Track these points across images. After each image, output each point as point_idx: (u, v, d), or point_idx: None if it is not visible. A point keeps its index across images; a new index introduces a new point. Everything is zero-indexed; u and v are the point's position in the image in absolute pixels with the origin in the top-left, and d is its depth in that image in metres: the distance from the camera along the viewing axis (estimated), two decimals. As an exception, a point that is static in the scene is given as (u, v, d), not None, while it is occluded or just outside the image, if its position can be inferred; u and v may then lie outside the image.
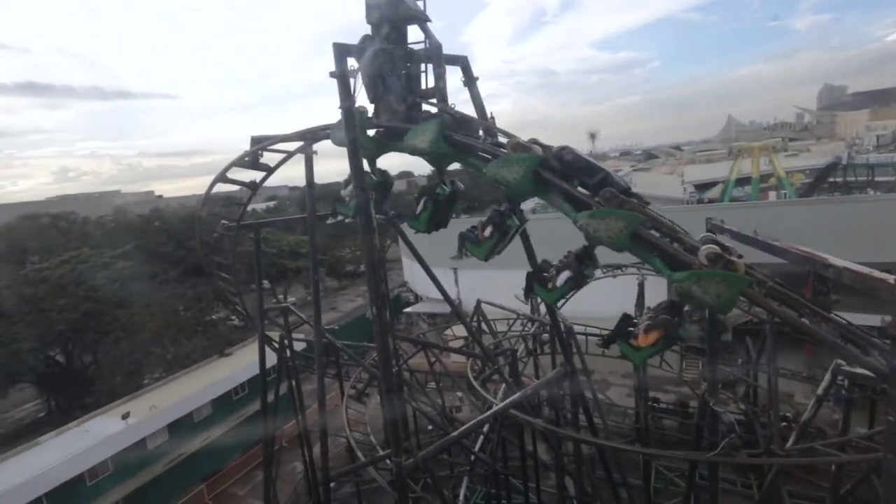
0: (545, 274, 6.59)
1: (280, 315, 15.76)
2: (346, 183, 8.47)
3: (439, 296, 14.62)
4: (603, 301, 24.87)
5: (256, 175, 10.54)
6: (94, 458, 19.66)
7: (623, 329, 6.07)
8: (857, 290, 4.67)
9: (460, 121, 6.70)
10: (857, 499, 12.00)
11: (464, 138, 6.56)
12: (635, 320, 6.11)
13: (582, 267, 6.34)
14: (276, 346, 15.89)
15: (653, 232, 5.56)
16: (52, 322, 28.74)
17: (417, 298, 44.46)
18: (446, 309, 34.17)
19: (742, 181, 53.18)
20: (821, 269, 4.98)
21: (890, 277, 4.15)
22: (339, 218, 9.18)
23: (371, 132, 7.28)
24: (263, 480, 16.92)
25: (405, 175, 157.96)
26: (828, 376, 9.43)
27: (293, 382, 16.68)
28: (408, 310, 42.50)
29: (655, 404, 22.62)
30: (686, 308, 5.76)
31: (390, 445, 7.41)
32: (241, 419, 25.30)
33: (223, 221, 11.69)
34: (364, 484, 21.75)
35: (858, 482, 10.29)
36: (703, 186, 60.62)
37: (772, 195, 49.53)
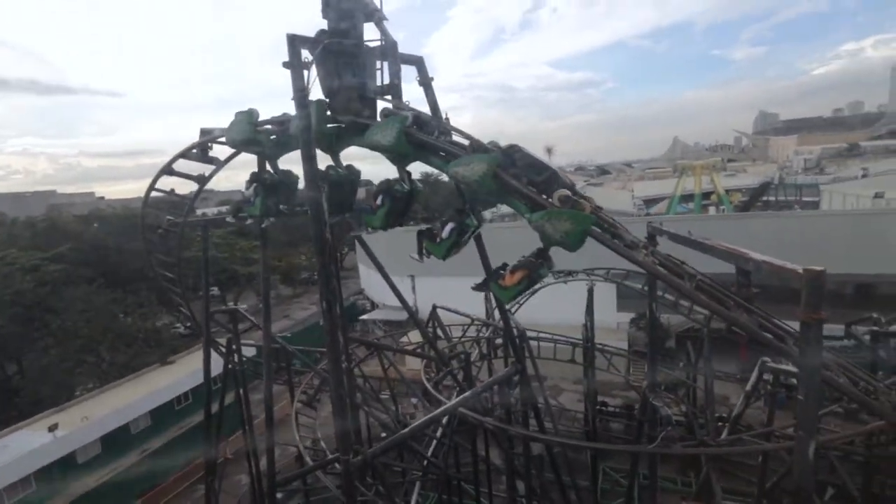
0: (433, 231, 7.02)
1: (229, 319, 15.21)
2: (250, 182, 8.46)
3: (396, 303, 14.61)
4: (555, 309, 25.65)
5: (206, 169, 10.17)
6: (14, 474, 18.10)
7: (495, 273, 6.74)
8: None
9: (420, 119, 6.81)
10: (784, 490, 12.87)
11: (426, 137, 6.67)
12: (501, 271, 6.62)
13: (463, 217, 6.99)
14: (224, 351, 15.29)
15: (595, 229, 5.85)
16: (-30, 327, 26.40)
17: (374, 306, 43.99)
18: (403, 316, 33.99)
19: (686, 198, 56.51)
20: (742, 263, 5.40)
21: (799, 268, 4.58)
22: (243, 217, 8.94)
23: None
24: (205, 494, 16.10)
25: (364, 184, 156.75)
26: (755, 373, 10.13)
27: (241, 390, 16.09)
28: (364, 317, 41.92)
29: (603, 408, 23.35)
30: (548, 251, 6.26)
31: (338, 446, 7.32)
32: (183, 430, 24.03)
33: (168, 217, 11.20)
34: (314, 494, 21.21)
35: (784, 474, 11.04)
36: (651, 201, 63.88)
37: (712, 210, 52.73)
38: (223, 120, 8.73)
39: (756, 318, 5.47)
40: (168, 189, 10.89)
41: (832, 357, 5.32)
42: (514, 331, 14.59)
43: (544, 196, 5.96)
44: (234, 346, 14.83)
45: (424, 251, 7.27)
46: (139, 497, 21.19)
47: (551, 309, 25.79)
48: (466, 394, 8.97)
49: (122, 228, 43.27)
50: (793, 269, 4.62)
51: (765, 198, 64.04)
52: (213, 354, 15.15)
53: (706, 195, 56.95)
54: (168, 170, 10.22)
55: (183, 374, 25.06)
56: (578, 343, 20.84)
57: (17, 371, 30.84)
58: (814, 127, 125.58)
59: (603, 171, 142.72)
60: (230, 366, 15.26)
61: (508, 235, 38.06)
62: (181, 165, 10.23)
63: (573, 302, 23.00)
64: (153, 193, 11.08)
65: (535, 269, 6.30)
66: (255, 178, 8.35)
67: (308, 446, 13.67)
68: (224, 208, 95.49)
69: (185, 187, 11.27)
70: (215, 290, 44.79)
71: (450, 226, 7.03)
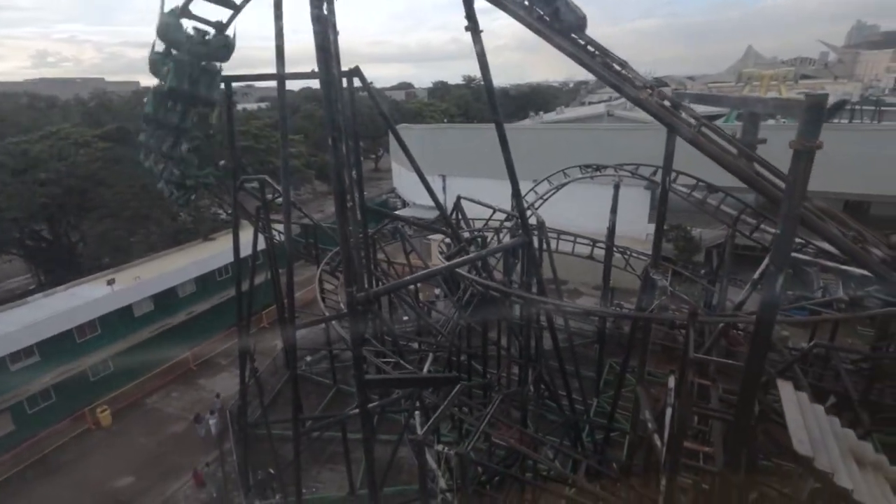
0: None
1: (258, 188, 15.82)
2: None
3: (426, 202, 14.78)
4: (579, 211, 25.34)
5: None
6: (82, 316, 20.68)
7: None
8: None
9: None
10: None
11: None
12: None
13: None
14: (253, 220, 16.16)
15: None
16: (33, 195, 28.66)
17: (405, 204, 44.62)
18: (433, 215, 34.59)
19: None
20: (752, 105, 5.12)
21: (802, 98, 4.31)
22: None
23: None
24: (239, 352, 17.75)
25: (405, 86, 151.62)
26: (765, 262, 9.98)
27: (272, 257, 17.24)
28: (397, 212, 42.81)
29: (619, 308, 23.76)
30: None
31: (345, 280, 7.91)
32: (225, 300, 26.33)
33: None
34: (338, 362, 23.48)
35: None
36: (707, 118, 59.09)
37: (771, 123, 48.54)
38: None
39: (755, 165, 5.29)
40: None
41: (824, 205, 5.16)
42: (534, 219, 14.70)
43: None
44: (262, 215, 15.60)
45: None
46: (189, 349, 24.09)
47: (576, 212, 25.55)
48: (469, 256, 9.31)
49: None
50: (796, 100, 4.37)
51: (838, 119, 58.04)
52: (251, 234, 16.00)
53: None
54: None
55: (223, 249, 26.86)
56: (598, 241, 20.78)
57: (79, 239, 33.91)
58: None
59: (660, 83, 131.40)
60: (261, 236, 16.19)
61: (555, 137, 36.84)
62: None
63: (599, 204, 22.60)
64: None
65: None
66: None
67: (330, 306, 14.76)
68: (263, 104, 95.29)
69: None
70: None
71: None
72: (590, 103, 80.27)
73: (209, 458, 18.13)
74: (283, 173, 10.59)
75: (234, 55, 11.25)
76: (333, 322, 11.96)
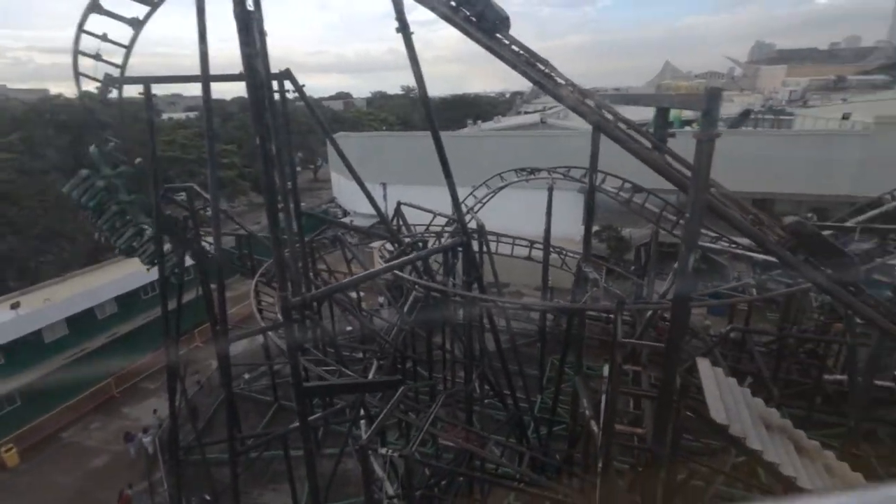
0: None
1: (183, 197, 14.94)
2: None
3: (367, 211, 14.69)
4: (515, 217, 26.13)
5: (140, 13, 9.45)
6: (-22, 346, 18.55)
7: None
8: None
9: None
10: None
11: None
12: None
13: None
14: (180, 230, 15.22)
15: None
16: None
17: (345, 214, 43.89)
18: (372, 223, 34.22)
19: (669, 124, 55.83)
20: (661, 102, 5.50)
21: (701, 92, 4.71)
22: None
23: None
24: (167, 374, 16.61)
25: (343, 96, 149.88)
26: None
27: (202, 271, 16.29)
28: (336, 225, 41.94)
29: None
30: None
31: (278, 284, 7.65)
32: (150, 319, 24.56)
33: (106, 73, 10.58)
34: (279, 377, 22.53)
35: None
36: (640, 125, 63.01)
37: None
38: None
39: (665, 156, 5.70)
40: (100, 33, 10.17)
41: (728, 191, 5.66)
42: (474, 223, 14.97)
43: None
44: (190, 225, 14.73)
45: None
46: (110, 376, 22.18)
47: (511, 217, 26.34)
48: (407, 256, 9.31)
49: (76, 120, 40.81)
50: (695, 94, 4.75)
51: (744, 126, 63.93)
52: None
53: (689, 122, 56.49)
54: (96, 6, 9.48)
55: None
56: (536, 242, 21.50)
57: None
58: (806, 58, 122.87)
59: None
60: (186, 245, 15.26)
61: (492, 144, 37.71)
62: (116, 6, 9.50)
63: (534, 209, 23.41)
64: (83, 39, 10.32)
65: None
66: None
67: (267, 316, 14.17)
68: (193, 114, 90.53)
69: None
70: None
71: None
72: (525, 112, 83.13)
73: (140, 483, 16.74)
74: (211, 178, 10.10)
75: (165, 62, 10.69)
76: (270, 333, 11.48)
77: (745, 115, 61.99)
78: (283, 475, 16.14)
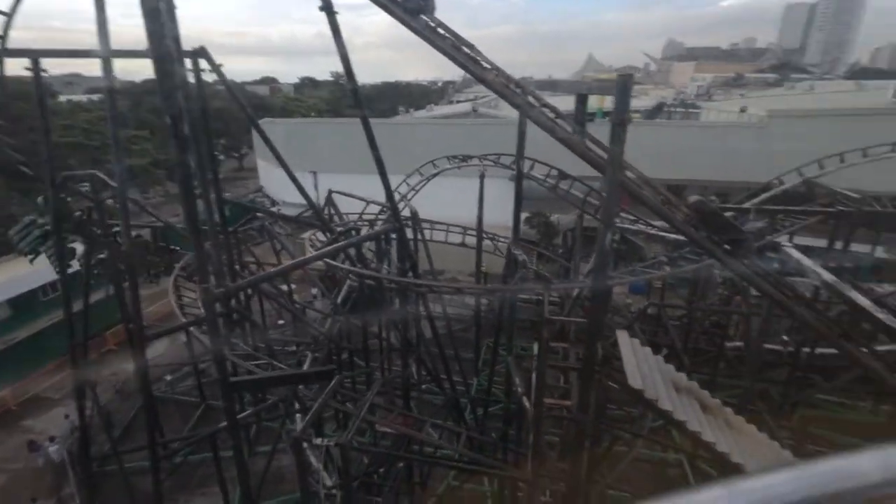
0: None
1: (87, 186, 13.57)
2: None
3: (297, 200, 14.04)
4: (449, 205, 26.40)
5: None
6: None
7: None
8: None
9: None
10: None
11: None
12: None
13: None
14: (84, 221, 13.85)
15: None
16: None
17: (274, 204, 42.02)
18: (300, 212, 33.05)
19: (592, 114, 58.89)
20: (579, 87, 5.73)
21: (614, 78, 4.99)
22: None
23: None
24: (74, 381, 15.24)
25: (269, 81, 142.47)
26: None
27: (114, 266, 14.94)
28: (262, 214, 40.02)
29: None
30: None
31: (198, 277, 7.20)
32: (55, 321, 22.22)
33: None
34: (206, 377, 21.31)
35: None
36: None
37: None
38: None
39: (584, 140, 5.99)
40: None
41: (641, 173, 6.07)
42: (408, 211, 14.91)
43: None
44: (94, 216, 13.45)
45: None
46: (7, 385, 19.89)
47: (446, 204, 26.60)
48: (336, 245, 9.12)
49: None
50: (609, 79, 5.00)
51: (658, 118, 68.75)
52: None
53: (609, 113, 59.70)
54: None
55: (48, 263, 22.63)
56: (469, 229, 21.90)
57: None
58: (710, 57, 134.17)
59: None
60: (91, 239, 13.96)
61: (425, 131, 37.53)
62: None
63: (468, 196, 23.76)
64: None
65: None
66: None
67: (190, 312, 13.32)
68: (96, 96, 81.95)
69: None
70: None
71: None
72: (458, 101, 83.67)
73: (47, 500, 15.22)
74: (116, 163, 9.25)
75: (62, 38, 9.56)
76: (193, 329, 10.81)
77: (659, 108, 66.68)
78: (213, 478, 15.40)
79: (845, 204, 15.75)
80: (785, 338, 16.82)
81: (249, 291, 17.22)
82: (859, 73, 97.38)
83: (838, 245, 16.08)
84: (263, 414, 15.35)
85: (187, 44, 11.39)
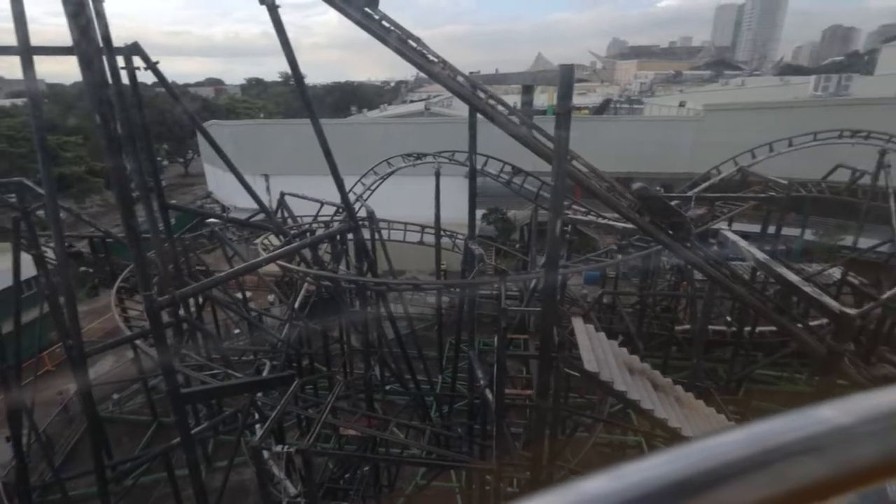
0: None
1: (13, 194, 12.59)
2: None
3: (249, 205, 13.48)
4: (406, 204, 26.34)
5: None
6: None
7: None
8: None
9: None
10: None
11: None
12: None
13: None
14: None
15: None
16: None
17: (224, 209, 40.43)
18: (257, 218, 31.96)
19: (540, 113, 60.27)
20: (526, 80, 5.83)
21: (557, 70, 5.11)
22: None
23: None
24: (7, 408, 13.98)
25: (214, 82, 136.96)
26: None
27: (47, 281, 13.90)
28: (212, 219, 38.46)
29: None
30: None
31: (139, 284, 6.84)
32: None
33: None
34: (157, 393, 20.23)
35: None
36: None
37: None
38: None
39: (533, 132, 6.11)
40: None
41: (587, 162, 6.26)
42: (364, 211, 14.72)
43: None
44: (22, 227, 12.47)
45: None
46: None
47: (403, 204, 26.51)
48: (292, 245, 8.89)
49: None
50: (553, 70, 5.11)
51: (606, 114, 71.21)
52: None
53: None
54: None
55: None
56: (427, 227, 21.91)
57: None
58: (651, 55, 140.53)
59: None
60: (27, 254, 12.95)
61: (378, 131, 37.10)
62: None
63: (424, 195, 23.77)
64: None
65: None
66: None
67: (135, 325, 12.59)
68: (20, 100, 75.95)
69: None
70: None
71: None
72: (411, 101, 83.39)
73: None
74: (43, 168, 8.62)
75: None
76: (140, 343, 10.24)
77: (605, 104, 69.10)
78: (170, 498, 14.64)
79: (776, 190, 16.88)
80: (728, 318, 17.82)
81: (200, 300, 16.51)
82: (785, 70, 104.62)
83: (771, 230, 17.22)
84: (221, 427, 14.77)
85: (120, 42, 10.78)
